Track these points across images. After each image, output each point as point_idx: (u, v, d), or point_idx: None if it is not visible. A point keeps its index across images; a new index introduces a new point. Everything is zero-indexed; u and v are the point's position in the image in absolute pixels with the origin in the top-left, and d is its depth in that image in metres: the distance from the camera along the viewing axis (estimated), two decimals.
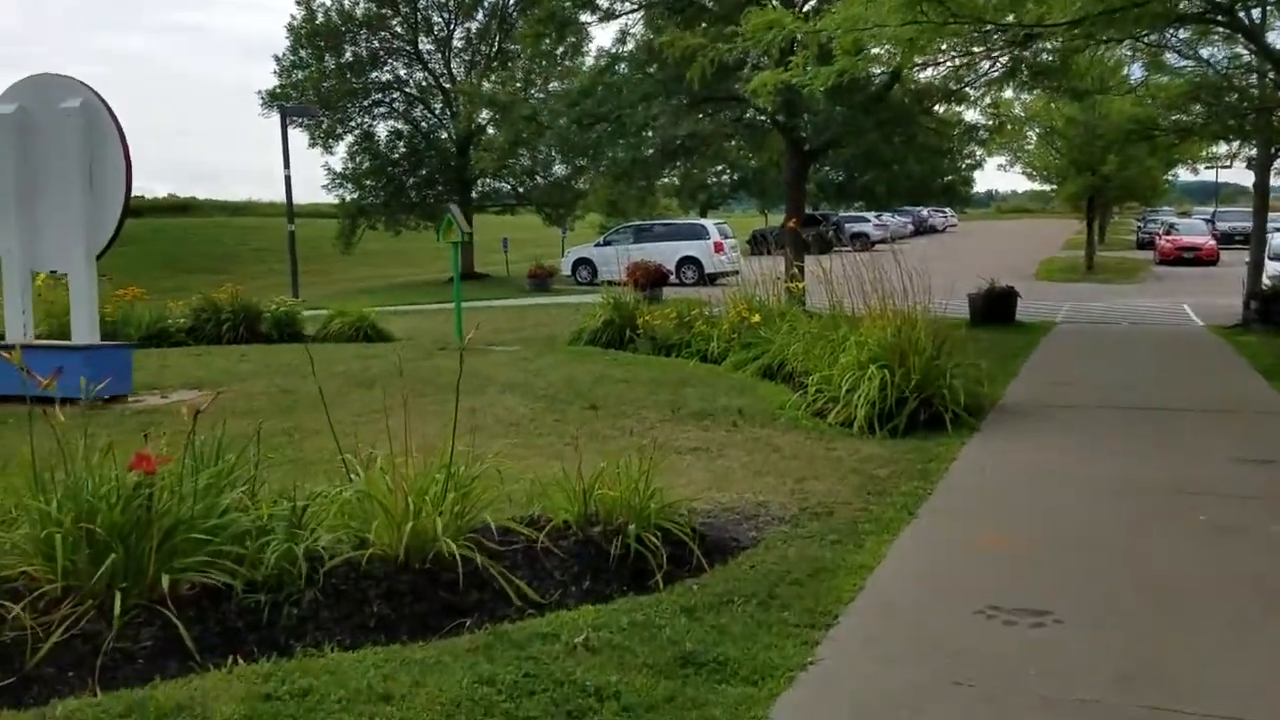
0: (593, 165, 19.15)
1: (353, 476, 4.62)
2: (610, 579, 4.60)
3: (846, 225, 50.96)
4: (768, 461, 7.16)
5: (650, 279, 24.13)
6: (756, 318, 11.71)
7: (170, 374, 11.41)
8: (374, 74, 34.94)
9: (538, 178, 35.39)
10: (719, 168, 55.82)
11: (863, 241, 49.96)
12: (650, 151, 18.84)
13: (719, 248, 32.50)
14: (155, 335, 15.10)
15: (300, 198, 36.08)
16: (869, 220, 53.09)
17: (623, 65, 18.91)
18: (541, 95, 22.49)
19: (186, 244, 44.63)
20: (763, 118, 17.55)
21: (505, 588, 4.27)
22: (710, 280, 29.30)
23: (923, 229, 63.49)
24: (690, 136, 16.67)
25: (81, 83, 9.04)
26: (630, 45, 19.23)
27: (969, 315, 16.76)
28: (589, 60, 20.37)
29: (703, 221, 34.93)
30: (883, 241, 52.29)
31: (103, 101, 8.98)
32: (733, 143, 23.36)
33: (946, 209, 72.05)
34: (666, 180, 28.70)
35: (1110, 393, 10.04)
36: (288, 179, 28.06)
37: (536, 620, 4.07)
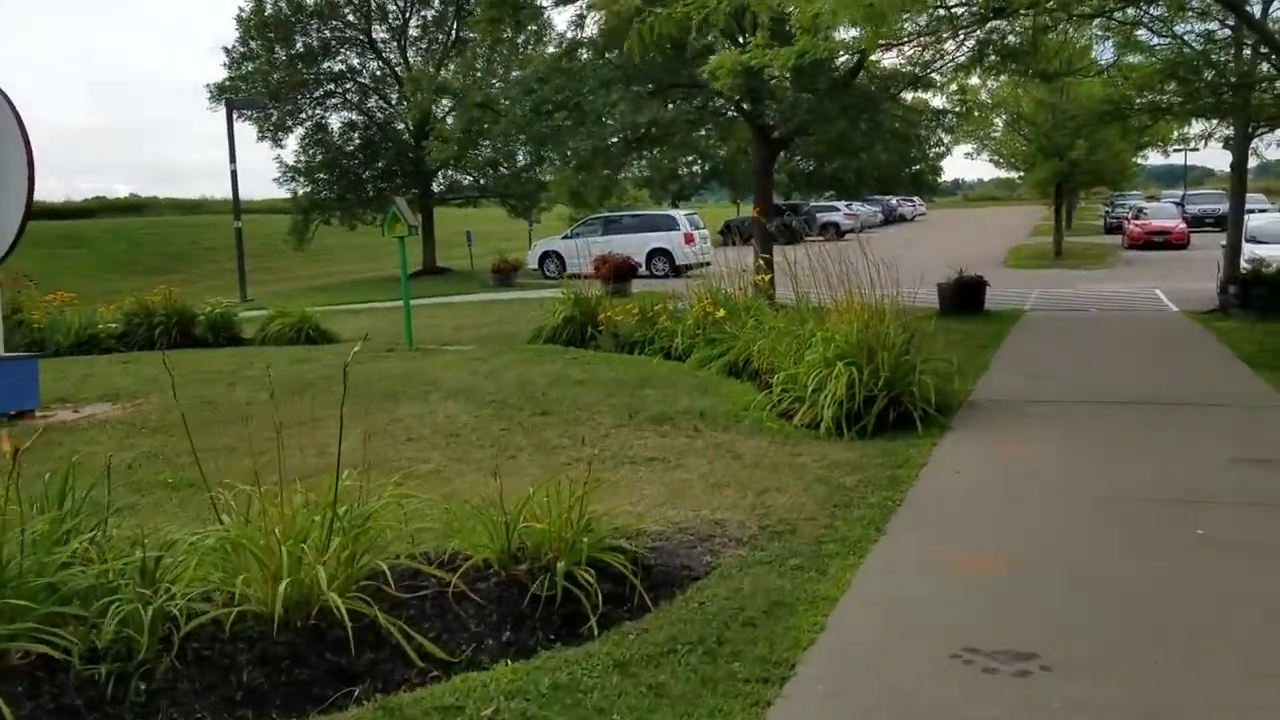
0: (555, 154, 18.45)
1: (223, 519, 3.95)
2: (536, 627, 3.99)
3: (817, 215, 50.58)
4: (728, 471, 6.57)
5: (618, 272, 23.56)
6: (721, 313, 11.13)
7: (92, 384, 10.67)
8: (325, 64, 33.96)
9: (501, 169, 34.58)
10: (689, 158, 55.30)
11: (833, 231, 49.62)
12: (613, 140, 18.19)
13: (689, 239, 31.93)
14: (85, 342, 14.34)
15: (255, 193, 35.32)
16: (839, 210, 52.67)
17: (583, 51, 18.25)
18: (501, 84, 21.71)
19: (140, 245, 43.52)
20: (728, 105, 16.93)
21: (404, 645, 3.64)
22: (681, 272, 28.72)
23: (892, 218, 63.17)
24: (652, 124, 16.01)
25: None
26: (590, 30, 18.57)
27: (939, 304, 16.28)
28: (551, 49, 19.64)
29: (672, 213, 34.32)
30: (853, 230, 51.91)
31: (5, 98, 8.23)
32: (701, 132, 22.78)
33: (915, 198, 71.84)
34: (635, 172, 27.99)
35: (1086, 385, 9.53)
36: (233, 174, 27.15)
37: (440, 686, 3.45)
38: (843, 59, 17.44)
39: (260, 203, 49.61)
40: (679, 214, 33.33)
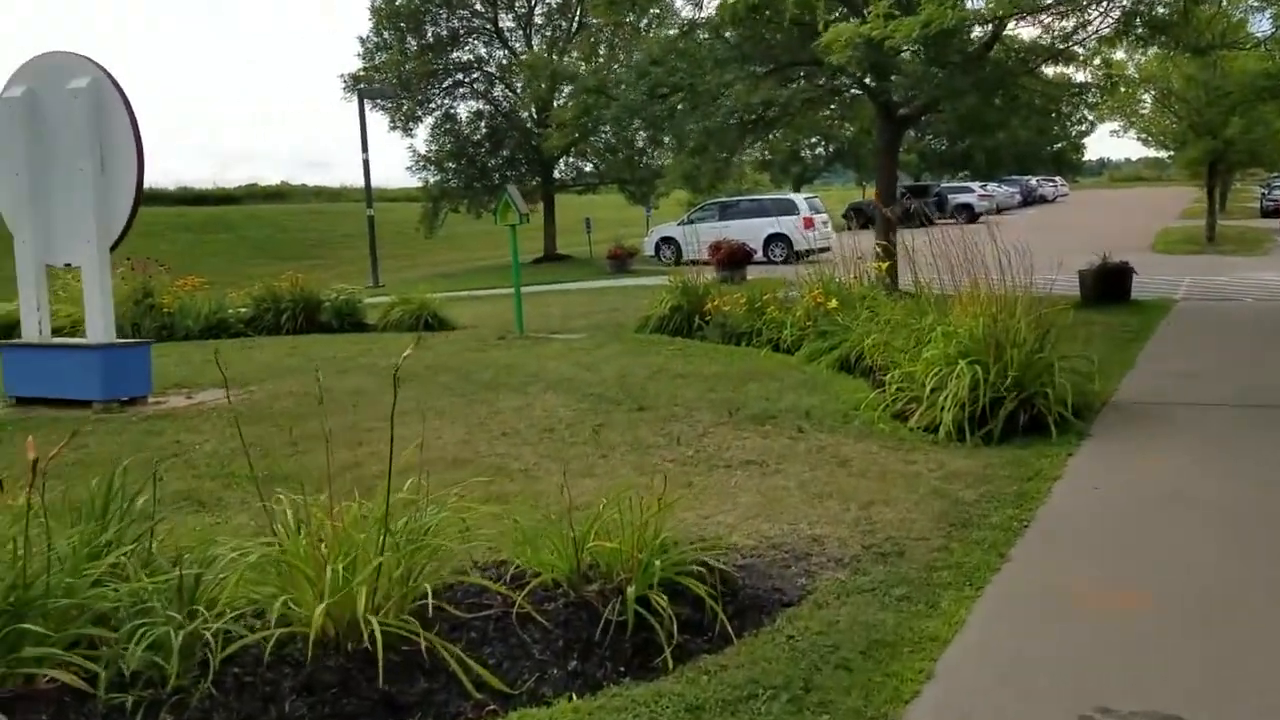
0: (669, 138, 18.05)
1: (277, 528, 3.70)
2: (605, 657, 3.63)
3: (949, 196, 48.79)
4: (832, 480, 6.08)
5: (732, 258, 23.06)
6: (833, 303, 10.55)
7: (211, 369, 10.80)
8: (454, 54, 34.32)
9: (619, 154, 34.40)
10: (813, 139, 54.10)
11: (966, 213, 47.77)
12: (731, 122, 17.67)
13: (809, 223, 31.03)
14: (214, 326, 14.67)
15: (393, 181, 36.08)
16: (973, 190, 50.62)
17: (701, 32, 17.77)
18: (619, 68, 21.42)
19: (284, 230, 45.04)
20: (850, 83, 16.19)
21: (460, 674, 3.33)
22: (800, 258, 27.96)
23: (1031, 199, 60.53)
24: (768, 105, 15.42)
25: (90, 60, 8.39)
26: (709, 9, 18.08)
27: (1080, 293, 15.24)
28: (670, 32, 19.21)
29: (791, 196, 33.51)
30: (988, 213, 49.90)
31: (112, 79, 8.32)
32: (824, 112, 22.04)
33: (1056, 178, 68.66)
34: (753, 155, 27.37)
35: (1245, 387, 8.62)
36: (365, 163, 27.68)
37: None
38: (976, 32, 16.52)
39: (398, 191, 50.78)
40: (798, 197, 32.48)
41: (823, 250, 26.12)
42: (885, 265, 11.60)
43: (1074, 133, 48.56)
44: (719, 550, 4.64)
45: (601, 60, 31.01)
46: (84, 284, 8.49)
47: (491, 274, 31.37)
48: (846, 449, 6.83)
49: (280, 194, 54.88)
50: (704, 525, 5.21)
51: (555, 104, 26.85)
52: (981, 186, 51.76)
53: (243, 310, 15.35)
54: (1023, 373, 7.32)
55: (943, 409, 7.20)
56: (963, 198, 49.22)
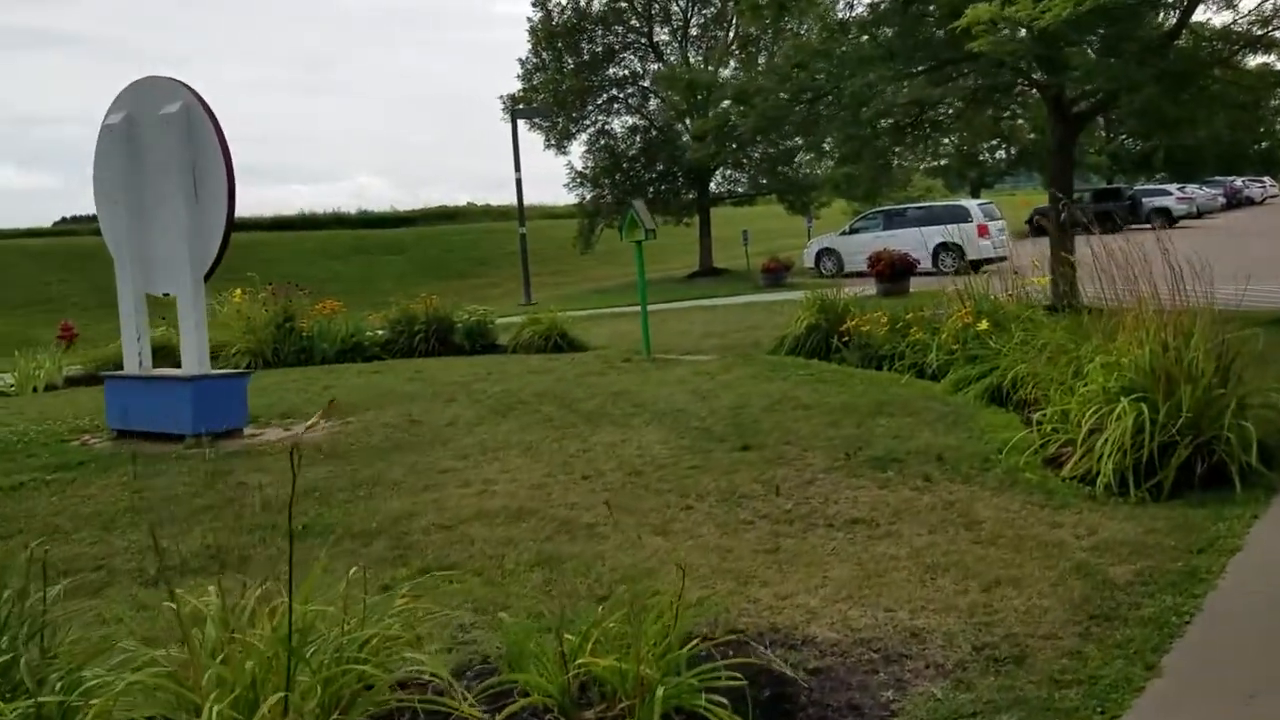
0: (816, 144, 17.02)
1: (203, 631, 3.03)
2: None
3: (1144, 200, 45.27)
4: (954, 548, 5.05)
5: (893, 270, 21.74)
6: (984, 324, 9.34)
7: (327, 396, 10.54)
8: (610, 70, 34.17)
9: (775, 165, 33.37)
10: (992, 142, 51.30)
11: (1164, 218, 44.11)
12: (883, 125, 16.48)
13: (983, 231, 29.24)
14: (350, 350, 14.63)
15: (556, 198, 36.31)
16: (1170, 193, 46.77)
17: (852, 32, 16.68)
18: (759, 74, 20.52)
19: (452, 250, 46.13)
20: (1012, 78, 14.73)
21: None
22: (974, 269, 26.22)
23: (1236, 201, 55.54)
24: (920, 106, 14.16)
25: (183, 84, 8.23)
26: (859, 9, 16.97)
27: None
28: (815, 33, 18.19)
29: (963, 203, 31.63)
30: (1188, 216, 45.96)
31: (203, 104, 8.12)
32: (992, 112, 20.46)
33: (1265, 178, 62.83)
34: (916, 160, 25.82)
35: None
36: (518, 182, 27.77)
37: None
38: (1160, 17, 14.79)
39: (562, 208, 51.31)
40: (971, 204, 30.63)
41: (999, 260, 24.41)
42: (1046, 279, 10.24)
43: None
44: (794, 640, 3.77)
45: (760, 69, 30.12)
46: (179, 314, 8.32)
47: (648, 289, 30.92)
48: (980, 505, 5.75)
49: (452, 214, 56.31)
50: (779, 609, 4.32)
51: (696, 115, 26.18)
52: (1180, 189, 47.72)
53: (380, 332, 15.28)
54: (1199, 412, 6.06)
55: (1101, 456, 6.02)
56: (1159, 201, 45.62)
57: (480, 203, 59.93)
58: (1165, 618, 4.05)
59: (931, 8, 14.55)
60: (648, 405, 8.98)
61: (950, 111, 17.99)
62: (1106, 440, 6.05)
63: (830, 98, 15.79)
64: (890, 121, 16.49)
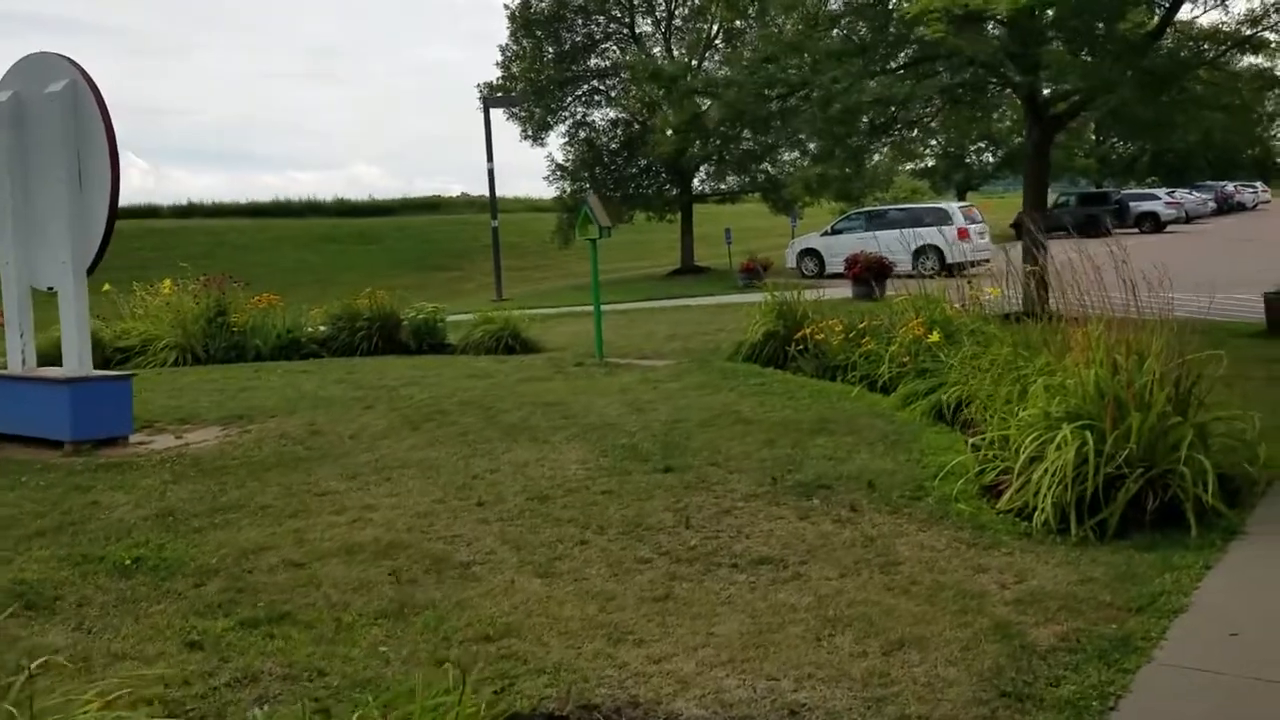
0: (789, 141, 16.43)
1: None
2: None
3: (1132, 204, 44.83)
4: (863, 595, 4.49)
5: (869, 272, 21.24)
6: (935, 336, 8.78)
7: (240, 399, 9.92)
8: (591, 60, 33.45)
9: (757, 164, 32.79)
10: (980, 144, 50.71)
11: (1151, 222, 43.65)
12: (859, 123, 15.87)
13: (963, 234, 28.70)
14: (286, 347, 13.94)
15: (543, 191, 35.62)
16: (1159, 198, 46.32)
17: (822, 25, 16.07)
18: (726, 67, 19.89)
19: (430, 241, 45.31)
20: (984, 75, 14.15)
21: None
22: (953, 272, 25.67)
23: (1227, 206, 55.13)
24: (887, 104, 13.56)
25: (69, 61, 7.57)
26: (834, 4, 16.35)
27: (1265, 321, 12.79)
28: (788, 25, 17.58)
29: (944, 205, 31.14)
30: (1176, 221, 45.48)
31: (90, 82, 7.48)
32: (970, 113, 19.90)
33: (1257, 183, 62.50)
34: (886, 159, 25.23)
35: None
36: (490, 172, 27.04)
37: None
38: (1143, 15, 14.23)
39: (545, 202, 50.59)
40: (952, 206, 30.12)
41: (980, 263, 23.89)
42: (997, 290, 9.66)
43: (1273, 134, 43.79)
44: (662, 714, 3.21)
45: (745, 65, 29.42)
46: (60, 310, 7.68)
47: (621, 287, 30.28)
48: (902, 543, 5.19)
49: (435, 205, 55.46)
50: (647, 676, 3.74)
51: (664, 107, 25.51)
52: (1169, 194, 47.29)
53: (322, 329, 14.61)
54: (1152, 442, 5.50)
55: (1040, 490, 5.46)
56: (1147, 205, 45.21)
57: (476, 194, 59.18)
58: (1086, 700, 3.48)
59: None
60: (578, 418, 8.39)
61: (928, 111, 17.44)
62: (1046, 472, 5.49)
63: (801, 93, 15.20)
64: (866, 120, 15.91)
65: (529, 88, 31.42)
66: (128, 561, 4.80)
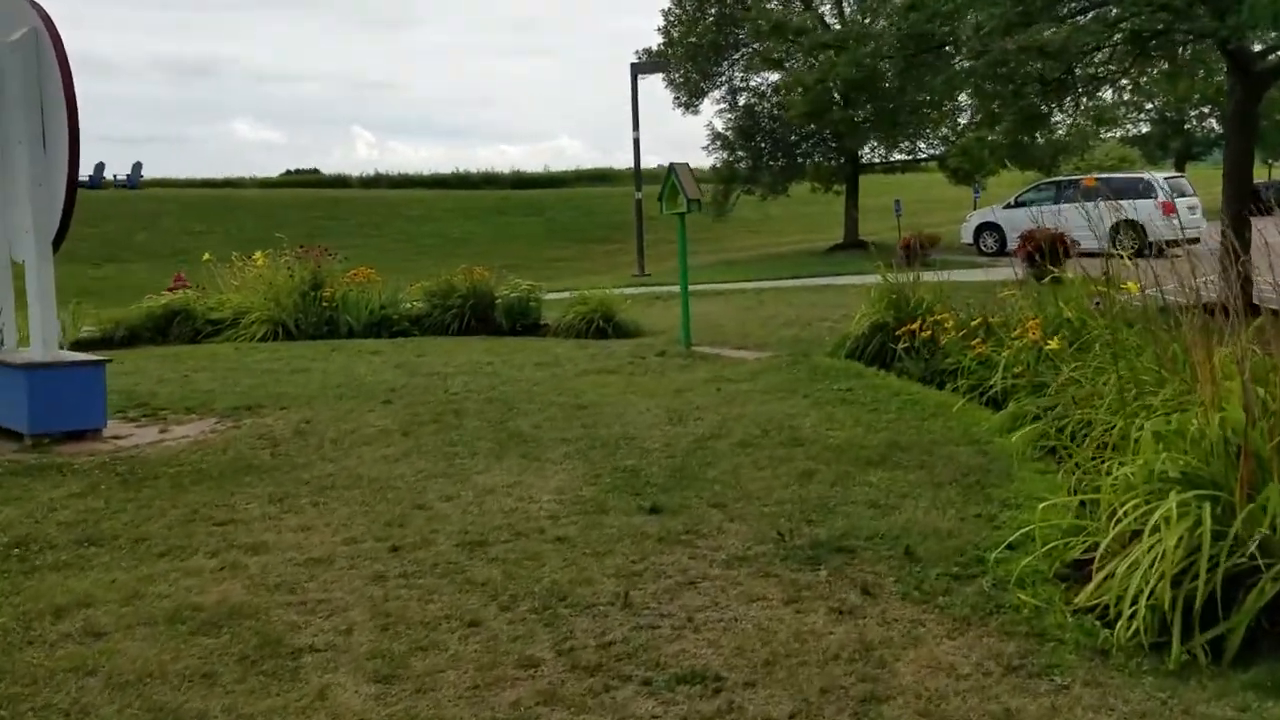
0: (937, 102, 14.41)
1: None
2: None
3: None
4: None
5: (1043, 251, 18.85)
6: (1054, 343, 6.93)
7: (268, 387, 9.07)
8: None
9: (943, 129, 30.24)
10: (1205, 108, 45.34)
11: None
12: (1025, 75, 13.66)
13: (1168, 208, 25.48)
14: (378, 323, 13.29)
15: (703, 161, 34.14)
16: None
17: None
18: (873, 19, 17.72)
19: (591, 214, 44.60)
20: (1170, 19, 11.68)
21: None
22: (1159, 251, 22.62)
23: None
24: (1035, 51, 11.35)
25: (31, 3, 6.76)
26: None
27: None
28: None
29: (1146, 176, 27.77)
30: None
31: (51, 29, 6.66)
32: (1156, 68, 17.16)
33: None
34: (1080, 122, 22.38)
35: None
36: (635, 141, 25.81)
37: None
38: None
39: (705, 173, 48.98)
40: (1157, 177, 26.76)
41: (1190, 242, 20.95)
42: (1135, 286, 7.59)
43: None
44: None
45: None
46: (27, 284, 6.96)
47: (775, 262, 28.54)
48: (910, 658, 3.65)
49: (605, 176, 54.83)
50: None
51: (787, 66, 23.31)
52: None
53: (419, 305, 13.86)
54: None
55: (1131, 589, 3.78)
56: None
57: (651, 166, 58.20)
58: None
59: None
60: (599, 427, 7.08)
61: (1112, 66, 14.96)
62: (1140, 559, 3.80)
63: (949, 46, 13.19)
64: (1035, 77, 13.68)
65: (682, 52, 29.89)
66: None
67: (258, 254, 13.68)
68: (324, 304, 13.28)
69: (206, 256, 14.09)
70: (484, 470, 6.03)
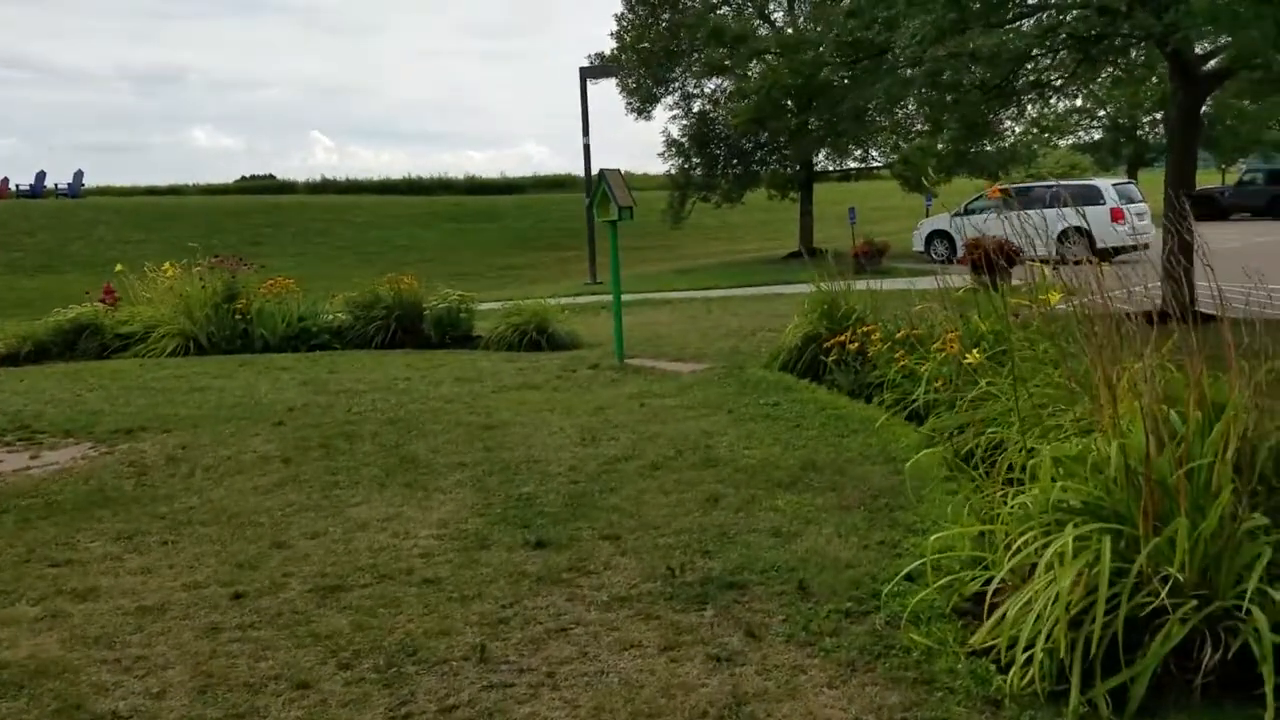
0: (883, 109, 14.18)
1: None
2: None
3: None
4: None
5: (989, 259, 18.69)
6: (974, 356, 6.63)
7: (159, 407, 8.57)
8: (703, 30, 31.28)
9: (894, 138, 30.11)
10: (1155, 114, 45.60)
11: None
12: (967, 83, 13.46)
13: (1117, 215, 25.51)
14: (295, 336, 12.75)
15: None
16: None
17: None
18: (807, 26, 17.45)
19: (546, 220, 44.13)
20: (1107, 23, 11.49)
21: None
22: (1105, 258, 22.53)
23: None
24: (964, 58, 11.11)
25: None
26: None
27: None
28: None
29: (1096, 182, 27.76)
30: None
31: None
32: (1105, 73, 17.09)
33: None
34: (1023, 129, 22.37)
35: None
36: (586, 147, 25.38)
37: None
38: None
39: (658, 177, 48.82)
40: (1105, 183, 26.76)
41: (1139, 248, 20.85)
42: (1057, 295, 7.32)
43: None
44: None
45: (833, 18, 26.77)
46: None
47: (729, 271, 28.24)
48: (783, 713, 3.30)
49: (563, 183, 54.40)
50: None
51: (734, 73, 23.11)
52: None
53: (342, 316, 13.36)
54: (1210, 559, 3.42)
55: (1031, 620, 3.46)
56: None
57: (638, 171, 57.78)
58: None
59: None
60: (503, 450, 6.69)
61: (1054, 71, 14.81)
62: (1030, 603, 3.48)
63: (889, 54, 12.94)
64: (975, 83, 13.48)
65: (633, 57, 29.56)
66: None
67: (167, 264, 13.11)
68: (238, 316, 12.76)
69: (119, 268, 13.52)
70: (361, 501, 5.62)
